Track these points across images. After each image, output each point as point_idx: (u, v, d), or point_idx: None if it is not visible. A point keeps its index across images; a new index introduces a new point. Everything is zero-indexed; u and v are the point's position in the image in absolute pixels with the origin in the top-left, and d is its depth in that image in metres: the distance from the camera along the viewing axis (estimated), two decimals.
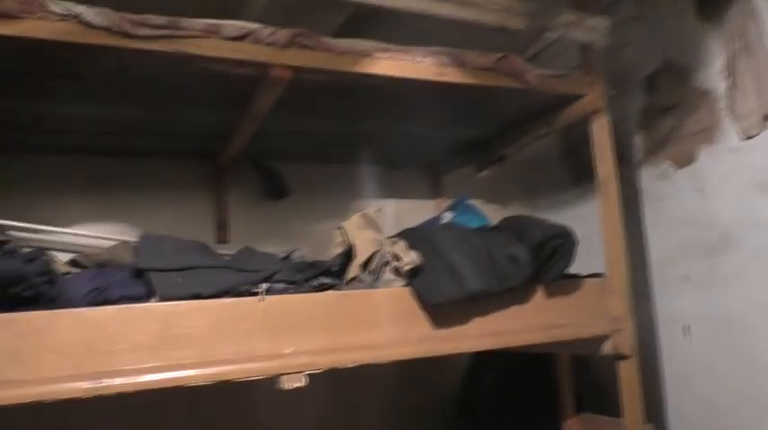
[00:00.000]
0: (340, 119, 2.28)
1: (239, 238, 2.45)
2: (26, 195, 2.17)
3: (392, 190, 2.93)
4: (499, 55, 2.01)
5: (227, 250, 2.01)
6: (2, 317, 1.31)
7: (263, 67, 1.68)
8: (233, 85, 1.79)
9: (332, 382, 1.79)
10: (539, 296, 1.97)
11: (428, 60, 1.93)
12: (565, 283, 2.03)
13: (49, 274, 1.41)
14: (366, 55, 1.81)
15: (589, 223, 2.29)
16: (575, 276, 2.10)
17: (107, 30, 1.47)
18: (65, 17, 1.45)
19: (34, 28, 1.43)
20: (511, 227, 2.04)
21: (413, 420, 2.69)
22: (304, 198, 2.70)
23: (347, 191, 2.81)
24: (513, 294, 1.89)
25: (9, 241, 1.42)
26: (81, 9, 1.46)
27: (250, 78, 1.73)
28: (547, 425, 2.51)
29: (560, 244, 1.93)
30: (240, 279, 1.59)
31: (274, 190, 2.63)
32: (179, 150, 2.42)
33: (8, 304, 1.34)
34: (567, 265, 1.97)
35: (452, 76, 1.97)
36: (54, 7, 1.44)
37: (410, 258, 1.74)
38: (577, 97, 2.22)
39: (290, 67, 1.70)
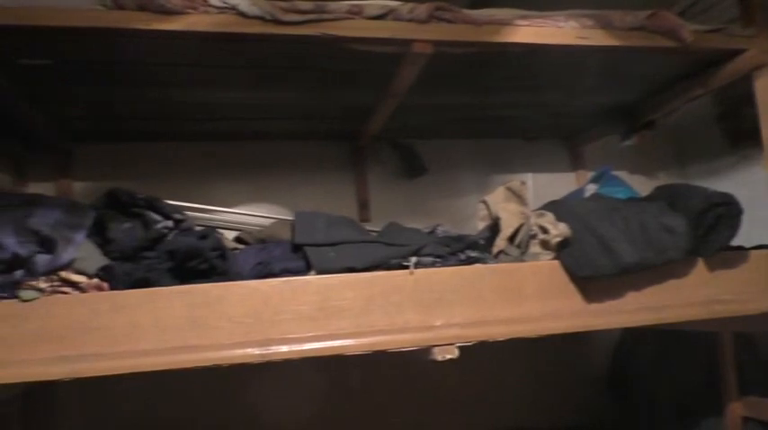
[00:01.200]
0: (476, 92, 2.25)
1: (380, 216, 2.52)
2: (188, 179, 2.37)
3: (530, 163, 2.86)
4: (648, 12, 1.88)
5: (371, 227, 2.07)
6: (182, 288, 1.44)
7: (405, 43, 1.70)
8: (374, 64, 1.83)
9: (479, 354, 1.80)
10: (699, 269, 1.84)
11: (570, 24, 1.85)
12: (728, 256, 1.88)
13: (221, 250, 1.53)
14: (506, 24, 1.78)
15: (752, 190, 2.10)
16: (739, 248, 1.94)
17: (261, 18, 1.56)
18: (223, 10, 1.55)
19: (197, 22, 1.54)
20: (665, 196, 1.92)
21: (557, 392, 2.64)
22: (441, 175, 2.72)
23: (484, 166, 2.79)
24: (670, 267, 1.78)
25: (185, 220, 1.55)
26: (237, 1, 1.55)
27: (391, 56, 1.76)
28: (706, 407, 2.36)
29: (723, 212, 1.79)
30: (390, 253, 1.63)
31: (412, 168, 2.66)
32: (322, 132, 2.52)
33: (186, 276, 1.48)
34: (731, 236, 1.82)
35: (597, 38, 1.87)
36: (214, 1, 1.54)
37: (559, 230, 1.70)
38: (736, 53, 2.03)
39: (432, 42, 1.70)
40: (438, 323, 1.59)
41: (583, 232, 1.74)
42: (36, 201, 1.50)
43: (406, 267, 1.60)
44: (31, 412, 2.03)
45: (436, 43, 1.71)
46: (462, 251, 1.72)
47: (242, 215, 2.20)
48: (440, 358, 1.56)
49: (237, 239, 1.76)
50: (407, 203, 2.64)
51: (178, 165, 2.40)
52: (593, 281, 1.69)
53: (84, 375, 1.34)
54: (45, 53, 1.62)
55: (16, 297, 1.34)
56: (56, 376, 1.32)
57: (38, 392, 2.01)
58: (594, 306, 1.73)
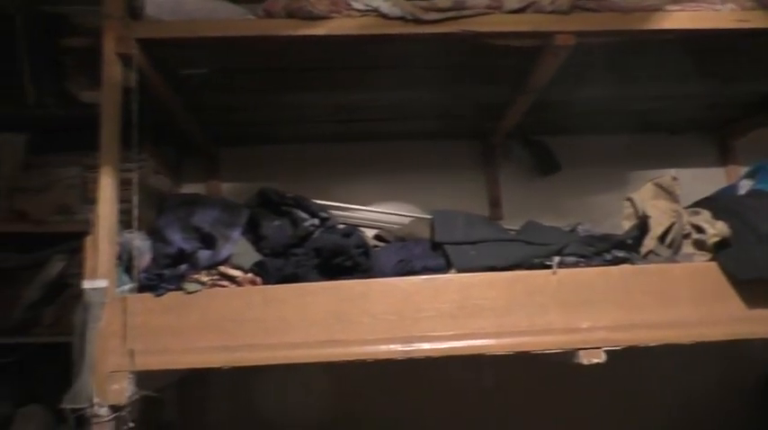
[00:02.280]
0: (618, 84, 2.14)
1: (512, 215, 2.47)
2: (324, 179, 2.44)
3: (672, 158, 2.67)
4: None
5: (504, 226, 2.03)
6: (328, 284, 1.50)
7: (547, 36, 1.65)
8: (512, 59, 1.80)
9: (621, 359, 1.71)
10: None
11: (728, 7, 1.71)
12: None
13: (364, 247, 1.57)
14: (656, 9, 1.67)
15: None
16: None
17: (401, 18, 1.58)
18: (365, 12, 1.59)
19: (341, 26, 1.59)
20: None
21: (706, 403, 2.44)
22: (575, 171, 2.61)
23: (621, 161, 2.64)
24: None
25: (330, 218, 1.61)
26: (378, 3, 1.58)
27: (531, 50, 1.72)
28: None
29: None
30: (531, 252, 1.59)
31: (545, 165, 2.58)
32: (453, 131, 2.51)
33: (332, 272, 1.53)
34: None
35: (759, 21, 1.72)
36: (356, 5, 1.58)
37: (717, 229, 1.57)
38: None
39: (574, 33, 1.64)
40: (584, 325, 1.53)
41: (743, 231, 1.60)
42: (196, 201, 1.62)
43: (549, 267, 1.55)
44: (186, 397, 2.19)
45: (579, 34, 1.65)
46: (608, 251, 1.64)
47: (380, 213, 2.24)
48: (586, 362, 1.50)
49: (377, 237, 1.80)
50: (540, 201, 2.57)
51: (314, 165, 2.49)
52: (755, 284, 1.55)
53: (241, 364, 1.42)
54: (202, 63, 1.73)
55: (181, 289, 1.45)
56: (216, 364, 1.41)
57: (192, 379, 2.16)
58: (757, 312, 1.59)
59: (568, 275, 1.55)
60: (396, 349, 1.47)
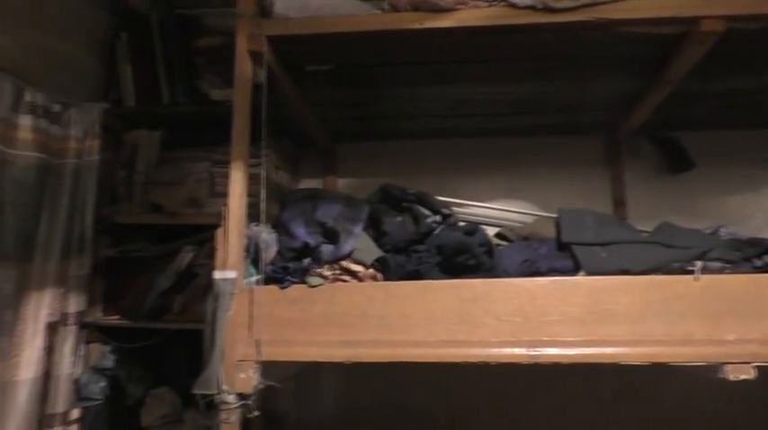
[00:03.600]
0: (762, 74, 1.94)
1: (638, 216, 2.32)
2: (440, 175, 2.41)
3: None
4: None
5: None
6: (451, 282, 1.46)
7: (691, 21, 1.51)
8: (648, 48, 1.67)
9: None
10: None
11: None
12: None
13: (488, 245, 1.51)
14: None
15: None
16: None
17: (531, 8, 1.51)
18: (492, 3, 1.53)
19: (467, 17, 1.54)
20: None
21: None
22: (710, 169, 2.41)
23: (762, 159, 2.41)
24: None
25: (452, 215, 1.57)
26: None
27: (671, 37, 1.59)
28: None
29: None
30: (669, 256, 1.48)
31: (676, 163, 2.40)
32: (576, 126, 2.39)
33: (454, 271, 1.49)
34: None
35: None
36: None
37: None
38: None
39: (724, 18, 1.50)
40: (730, 337, 1.39)
41: None
42: (319, 196, 1.63)
43: (690, 272, 1.43)
44: (301, 389, 2.24)
45: (729, 19, 1.50)
46: (758, 256, 1.49)
47: (502, 211, 2.17)
48: (732, 378, 1.37)
49: (499, 236, 1.74)
50: (669, 202, 2.39)
51: (432, 162, 2.46)
52: None
53: (364, 360, 1.41)
54: (327, 59, 1.75)
55: (305, 282, 1.47)
56: (338, 359, 1.42)
57: (307, 371, 2.20)
58: None
59: (713, 282, 1.42)
60: (521, 353, 1.40)
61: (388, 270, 1.49)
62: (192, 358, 1.92)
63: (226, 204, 1.51)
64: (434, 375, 2.20)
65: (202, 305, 1.96)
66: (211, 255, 1.79)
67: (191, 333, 1.93)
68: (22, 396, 1.78)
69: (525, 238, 1.68)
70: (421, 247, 1.52)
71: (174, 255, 2.08)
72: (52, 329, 1.88)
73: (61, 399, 1.92)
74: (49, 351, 1.88)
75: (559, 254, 1.55)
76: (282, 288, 1.47)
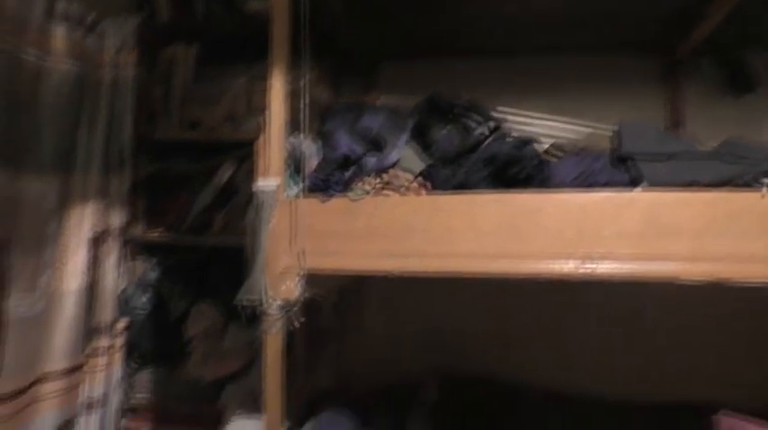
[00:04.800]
0: None
1: (696, 139, 2.19)
2: (486, 94, 2.28)
3: None
4: None
5: None
6: (500, 195, 1.39)
7: None
8: None
9: None
10: None
11: None
12: None
13: (539, 158, 1.44)
14: None
15: None
16: None
17: None
18: None
19: None
20: None
21: None
22: None
23: None
24: None
25: (502, 126, 1.49)
26: None
27: None
28: None
29: None
30: (735, 171, 1.38)
31: (739, 84, 2.25)
32: (630, 44, 2.24)
33: (503, 184, 1.42)
34: None
35: None
36: None
37: None
38: None
39: None
40: None
41: None
42: (363, 107, 1.56)
43: (759, 188, 1.34)
44: (344, 305, 2.23)
45: None
46: None
47: (553, 125, 2.08)
48: None
49: (552, 149, 1.65)
50: (730, 125, 2.25)
51: (477, 81, 2.35)
52: None
53: (408, 272, 1.38)
54: None
55: (348, 193, 1.42)
56: (383, 270, 1.38)
57: (349, 287, 2.19)
58: None
59: None
60: (573, 268, 1.35)
61: (434, 181, 1.43)
62: (233, 274, 1.92)
63: (266, 113, 1.46)
64: (477, 294, 2.17)
65: (243, 222, 1.96)
66: (251, 171, 1.75)
67: (231, 249, 1.93)
68: (69, 306, 1.80)
69: (580, 152, 1.59)
70: (469, 159, 1.45)
71: (213, 171, 2.06)
72: (96, 243, 1.90)
73: (107, 311, 1.96)
74: (94, 264, 1.90)
75: (616, 167, 1.46)
76: (325, 199, 1.42)
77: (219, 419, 1.97)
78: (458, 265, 1.37)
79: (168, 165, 2.12)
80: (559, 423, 2.07)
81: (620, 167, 1.45)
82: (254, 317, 1.46)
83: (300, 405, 1.91)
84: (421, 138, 1.50)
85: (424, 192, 1.44)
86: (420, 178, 1.44)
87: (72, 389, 1.84)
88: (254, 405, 1.92)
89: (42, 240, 1.72)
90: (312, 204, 1.43)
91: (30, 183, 1.65)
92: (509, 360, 2.23)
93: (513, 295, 2.17)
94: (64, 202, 1.79)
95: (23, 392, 1.67)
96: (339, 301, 2.18)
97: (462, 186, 1.42)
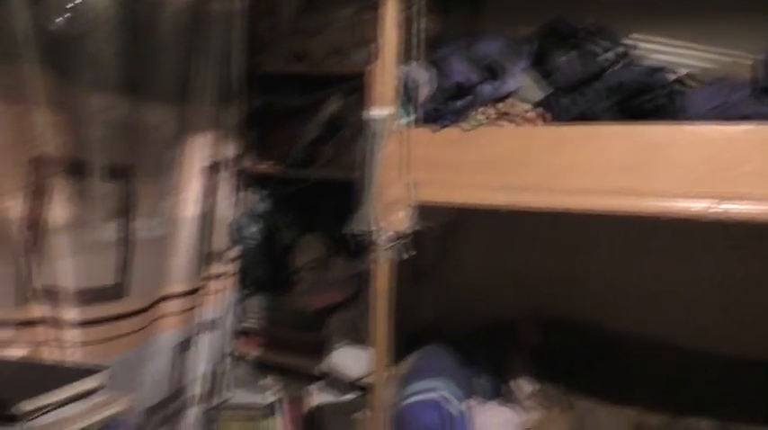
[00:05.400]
0: None
1: None
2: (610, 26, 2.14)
3: None
4: None
5: None
6: (627, 127, 1.30)
7: None
8: None
9: None
10: None
11: None
12: None
13: (671, 87, 1.32)
14: None
15: None
16: None
17: None
18: None
19: None
20: None
21: None
22: None
23: None
24: None
25: (629, 53, 1.38)
26: None
27: None
28: None
29: None
30: None
31: None
32: None
33: (630, 114, 1.32)
34: None
35: None
36: None
37: None
38: None
39: None
40: None
41: None
42: (478, 34, 1.49)
43: None
44: (445, 243, 2.20)
45: None
46: None
47: (688, 51, 1.90)
48: None
49: (686, 78, 1.51)
50: None
51: (594, 11, 2.18)
52: None
53: (522, 206, 1.33)
54: None
55: (462, 123, 1.37)
56: (496, 203, 1.34)
57: (453, 222, 2.15)
58: None
59: None
60: (703, 208, 1.24)
61: (554, 111, 1.35)
62: (339, 207, 1.94)
63: (377, 42, 1.42)
64: (585, 236, 2.07)
65: (349, 155, 1.96)
66: (358, 104, 1.74)
67: (338, 182, 1.94)
68: (187, 231, 1.89)
69: (716, 82, 1.45)
70: (593, 87, 1.35)
71: (320, 104, 2.06)
72: (210, 173, 1.96)
73: (221, 239, 2.05)
74: (209, 193, 1.97)
75: (758, 100, 1.31)
76: (437, 129, 1.39)
77: (323, 348, 2.04)
78: (575, 202, 1.30)
79: (276, 98, 2.14)
80: (667, 375, 1.98)
81: (764, 99, 1.31)
82: (361, 248, 1.47)
83: (400, 339, 1.93)
84: (540, 65, 1.42)
85: (542, 122, 1.36)
86: (538, 108, 1.36)
87: (190, 311, 1.96)
88: (356, 336, 1.97)
89: (162, 168, 1.79)
90: (424, 134, 1.39)
91: (149, 112, 1.71)
92: (614, 306, 2.14)
93: (625, 239, 2.05)
94: (180, 132, 1.85)
95: (148, 310, 1.78)
96: (441, 236, 2.16)
97: (584, 117, 1.34)
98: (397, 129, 1.40)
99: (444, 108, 1.39)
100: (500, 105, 1.36)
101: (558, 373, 1.95)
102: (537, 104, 1.37)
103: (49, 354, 1.49)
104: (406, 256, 1.42)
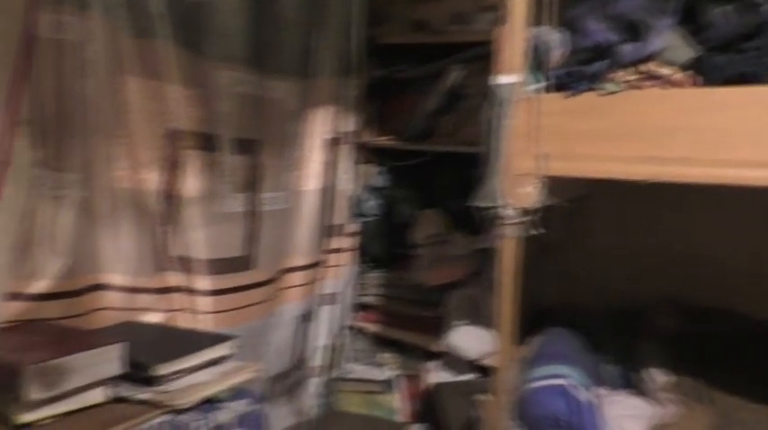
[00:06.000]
0: None
1: None
2: None
3: None
4: None
5: None
6: None
7: None
8: None
9: None
10: None
11: None
12: None
13: None
14: None
15: None
16: None
17: None
18: None
19: None
20: None
21: None
22: None
23: None
24: None
25: None
26: None
27: None
28: None
29: None
30: None
31: None
32: None
33: None
34: None
35: None
36: None
37: None
38: None
39: None
40: None
41: None
42: None
43: None
44: (573, 217, 2.07)
45: None
46: None
47: None
48: None
49: None
50: None
51: None
52: None
53: (671, 180, 1.19)
54: None
55: (599, 88, 1.26)
56: (639, 176, 1.21)
57: (582, 197, 2.02)
58: None
59: None
60: None
61: (706, 72, 1.20)
62: (459, 181, 1.88)
63: (504, 4, 1.33)
64: (730, 216, 1.87)
65: (470, 127, 1.89)
66: (480, 73, 1.66)
67: (458, 155, 1.88)
68: (309, 205, 1.93)
69: None
70: (752, 44, 1.18)
71: (440, 75, 2.00)
72: (330, 146, 1.98)
73: (341, 213, 2.07)
74: (329, 167, 1.99)
75: None
76: (570, 96, 1.28)
77: (441, 325, 2.00)
78: (731, 175, 1.15)
79: (395, 69, 2.11)
80: None
81: None
82: (484, 223, 1.41)
83: (524, 320, 1.85)
84: (689, 21, 1.26)
85: (691, 85, 1.22)
86: (687, 70, 1.22)
87: (311, 284, 1.99)
88: (476, 314, 1.91)
89: (285, 142, 1.82)
90: (555, 101, 1.29)
91: (274, 86, 1.74)
92: (760, 294, 1.92)
93: None
94: (302, 106, 1.87)
95: (273, 282, 1.83)
96: (570, 212, 2.03)
97: (742, 79, 1.18)
98: (525, 97, 1.30)
99: (578, 72, 1.28)
100: (642, 67, 1.23)
101: (696, 365, 1.78)
102: (685, 66, 1.22)
103: (184, 321, 1.57)
104: (533, 233, 1.34)
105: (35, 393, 0.99)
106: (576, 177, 1.31)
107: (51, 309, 1.28)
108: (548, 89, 1.30)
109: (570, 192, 1.78)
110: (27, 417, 1.00)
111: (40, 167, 1.23)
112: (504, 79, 1.31)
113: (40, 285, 1.25)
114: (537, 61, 1.32)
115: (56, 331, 1.21)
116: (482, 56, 1.73)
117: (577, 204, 2.05)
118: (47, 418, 1.02)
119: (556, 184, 1.34)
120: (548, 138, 1.28)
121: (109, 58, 1.32)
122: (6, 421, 1.00)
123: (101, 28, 1.30)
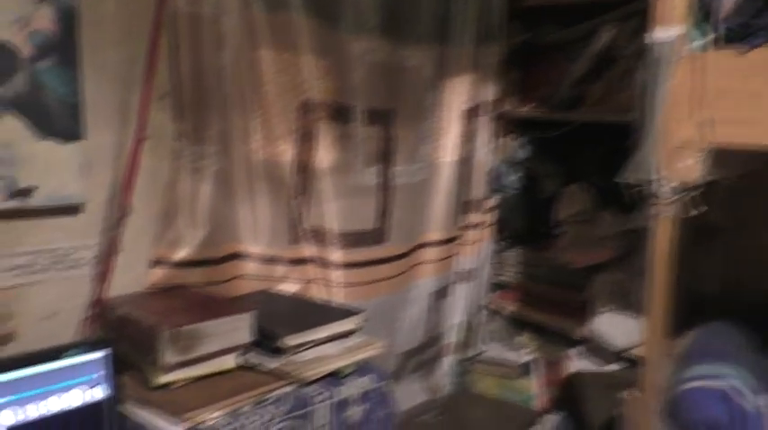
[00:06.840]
0: None
1: None
2: None
3: None
4: None
5: None
6: None
7: None
8: None
9: None
10: None
11: None
12: None
13: None
14: None
15: None
16: None
17: None
18: None
19: None
20: None
21: None
22: None
23: None
24: None
25: None
26: None
27: None
28: None
29: None
30: None
31: None
32: None
33: None
34: None
35: None
36: None
37: None
38: None
39: None
40: None
41: None
42: None
43: None
44: (742, 195, 1.83)
45: None
46: None
47: None
48: None
49: None
50: None
51: None
52: None
53: None
54: None
55: None
56: None
57: (754, 173, 1.77)
58: None
59: None
60: None
61: None
62: (608, 154, 1.72)
63: None
64: None
65: (623, 93, 1.72)
66: (634, 33, 1.48)
67: (608, 125, 1.72)
68: (445, 178, 1.88)
69: None
70: None
71: (589, 37, 1.83)
72: (468, 117, 1.90)
73: (479, 187, 2.00)
74: (466, 138, 1.91)
75: None
76: (745, 51, 1.09)
77: (584, 310, 1.87)
78: None
79: (539, 33, 1.97)
80: None
81: None
82: (636, 201, 1.26)
83: (679, 310, 1.67)
84: None
85: None
86: None
87: (447, 259, 1.95)
88: (624, 301, 1.76)
89: (421, 112, 1.78)
90: (725, 58, 1.10)
91: (409, 55, 1.70)
92: None
93: None
94: (439, 75, 1.81)
95: (407, 256, 1.81)
96: (737, 189, 1.78)
97: None
98: (688, 55, 1.13)
99: (755, 23, 1.08)
100: None
101: None
102: None
103: (317, 292, 1.59)
104: (693, 212, 1.17)
105: (170, 356, 1.04)
106: (748, 148, 1.12)
107: (194, 276, 1.34)
108: (716, 44, 1.12)
109: (739, 166, 1.56)
110: (163, 379, 1.05)
111: (180, 139, 1.29)
112: (662, 34, 1.15)
113: (182, 253, 1.32)
114: (703, 11, 1.14)
115: (195, 297, 1.27)
116: (636, 12, 1.59)
117: (749, 180, 1.80)
118: (180, 381, 1.07)
119: (722, 156, 1.16)
120: (715, 101, 1.10)
121: (243, 32, 1.34)
122: (146, 381, 1.06)
123: (234, 1, 1.32)
